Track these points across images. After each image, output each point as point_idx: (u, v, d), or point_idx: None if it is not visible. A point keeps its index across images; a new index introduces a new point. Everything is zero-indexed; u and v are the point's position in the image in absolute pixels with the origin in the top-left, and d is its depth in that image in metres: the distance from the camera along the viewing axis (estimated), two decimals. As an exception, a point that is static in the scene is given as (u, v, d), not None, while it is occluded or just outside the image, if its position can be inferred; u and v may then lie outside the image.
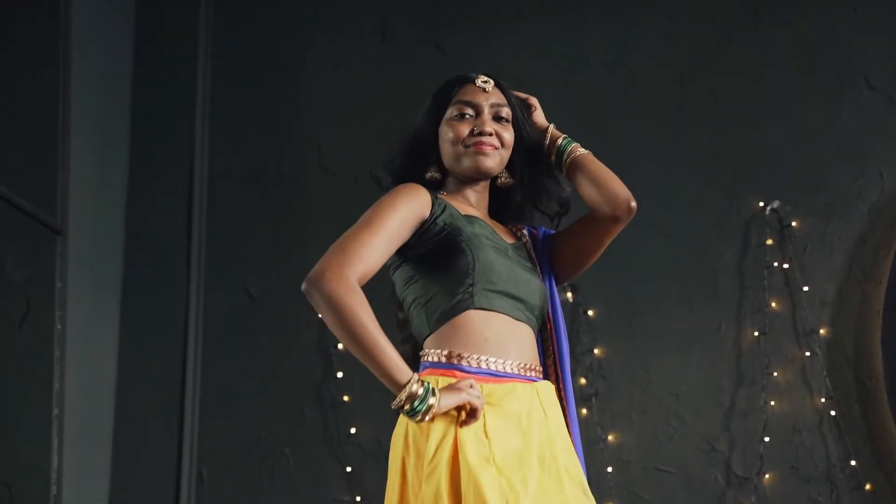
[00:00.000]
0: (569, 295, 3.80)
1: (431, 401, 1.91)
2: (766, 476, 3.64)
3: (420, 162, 2.20)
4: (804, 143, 3.85)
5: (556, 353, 2.16)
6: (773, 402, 3.68)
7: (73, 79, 3.69)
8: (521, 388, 2.03)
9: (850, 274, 3.74)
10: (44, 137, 3.68)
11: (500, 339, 2.05)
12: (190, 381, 3.95)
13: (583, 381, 3.76)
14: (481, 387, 1.99)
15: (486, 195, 2.22)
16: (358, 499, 3.79)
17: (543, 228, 2.29)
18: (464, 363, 2.02)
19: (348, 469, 3.82)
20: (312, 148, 4.12)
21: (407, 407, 1.92)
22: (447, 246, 2.07)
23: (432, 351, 2.06)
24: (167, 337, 4.00)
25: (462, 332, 2.04)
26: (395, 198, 2.07)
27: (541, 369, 2.12)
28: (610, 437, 3.72)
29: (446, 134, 2.16)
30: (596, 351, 3.79)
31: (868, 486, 3.58)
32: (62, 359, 3.55)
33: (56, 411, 3.52)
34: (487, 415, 1.97)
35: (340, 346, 3.93)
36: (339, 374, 3.90)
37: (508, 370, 2.04)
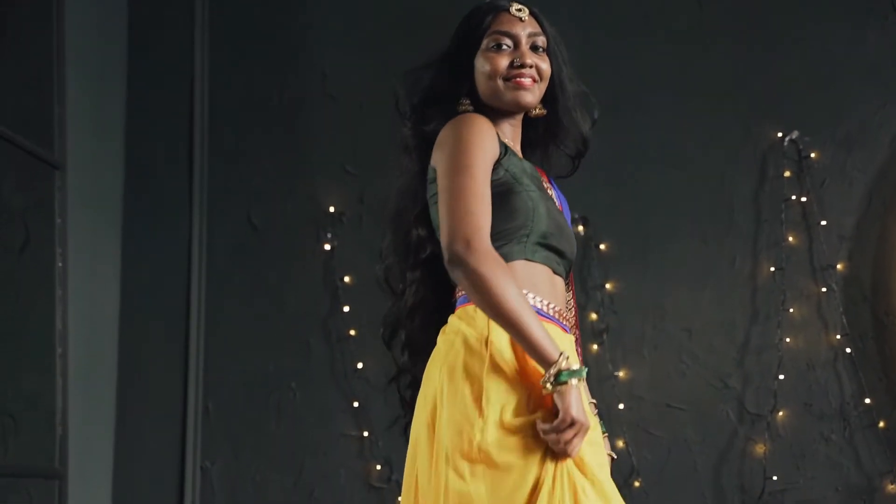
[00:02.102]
0: (580, 228, 3.72)
1: (574, 381, 1.83)
2: (780, 413, 3.60)
3: (451, 91, 2.10)
4: (825, 71, 3.73)
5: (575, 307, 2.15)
6: (788, 339, 3.62)
7: (66, 9, 3.56)
8: (561, 333, 1.99)
9: (870, 207, 3.65)
10: (38, 70, 3.57)
11: (545, 287, 1.99)
12: (194, 314, 3.90)
13: (594, 316, 3.70)
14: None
15: (520, 128, 2.14)
16: (365, 434, 3.77)
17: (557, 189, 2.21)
18: None
19: (355, 404, 3.79)
20: (316, 73, 4.00)
21: (553, 377, 1.82)
22: (507, 193, 1.98)
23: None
24: (170, 271, 3.94)
25: (515, 272, 1.95)
26: (476, 134, 1.96)
27: (574, 323, 2.10)
28: (621, 374, 3.67)
29: (483, 66, 2.07)
30: (608, 286, 3.72)
31: (882, 424, 3.54)
32: (64, 298, 3.50)
33: (59, 350, 3.47)
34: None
35: (347, 279, 3.86)
36: (346, 308, 3.84)
37: (551, 313, 1.99)
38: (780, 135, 3.72)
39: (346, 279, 3.86)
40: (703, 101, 3.79)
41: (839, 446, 3.56)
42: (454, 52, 2.10)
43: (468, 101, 2.09)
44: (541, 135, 2.17)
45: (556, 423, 1.81)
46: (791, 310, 3.64)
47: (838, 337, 3.60)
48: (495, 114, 2.09)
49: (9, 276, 3.59)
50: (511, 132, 2.11)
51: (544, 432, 1.82)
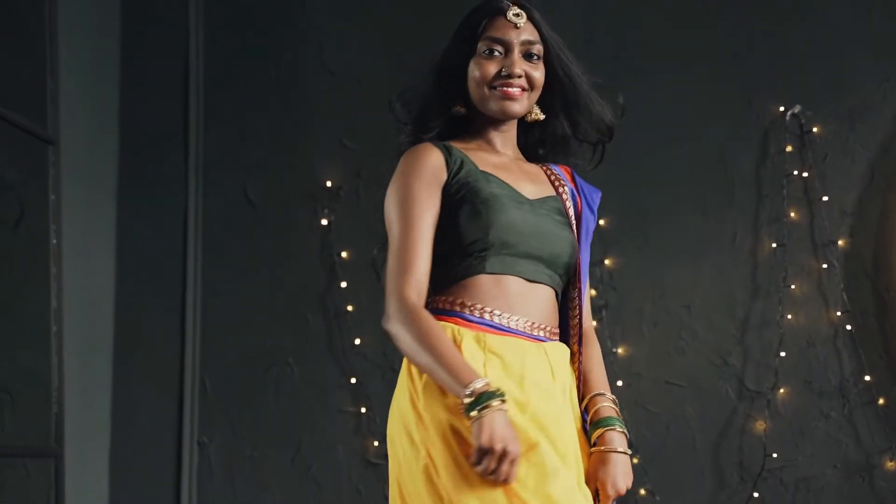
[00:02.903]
0: (579, 203, 3.68)
1: (494, 403, 1.81)
2: (780, 390, 3.58)
3: (446, 96, 2.09)
4: (828, 44, 3.68)
5: (580, 316, 2.06)
6: (788, 316, 3.60)
7: (58, -19, 3.51)
8: (526, 344, 1.95)
9: (872, 183, 3.62)
10: (30, 44, 3.52)
11: (509, 297, 1.96)
12: (190, 290, 3.88)
13: (593, 292, 3.67)
14: (484, 336, 1.92)
15: (514, 132, 2.12)
16: (363, 410, 3.75)
17: (589, 187, 2.15)
18: (466, 311, 1.95)
19: (353, 380, 3.77)
20: (313, 46, 3.95)
21: (467, 407, 1.82)
22: (462, 208, 1.98)
23: (438, 298, 1.99)
24: (166, 247, 3.91)
25: (470, 289, 1.97)
26: (410, 179, 1.99)
27: (556, 330, 2.02)
28: (620, 350, 3.65)
29: (473, 72, 2.05)
30: (607, 261, 3.70)
31: (881, 401, 3.52)
32: (59, 275, 3.47)
33: (55, 328, 3.45)
34: (487, 364, 1.90)
35: (344, 254, 3.84)
36: (343, 284, 3.82)
37: (513, 326, 1.95)
38: (782, 109, 3.68)
39: (344, 254, 3.83)
40: (704, 74, 3.75)
41: (838, 423, 3.55)
42: (450, 56, 2.08)
43: (462, 104, 2.08)
44: (556, 136, 2.14)
45: (471, 454, 1.80)
46: (792, 286, 3.61)
47: (839, 314, 3.58)
48: (486, 120, 2.08)
49: (3, 251, 3.56)
50: (502, 138, 2.09)
51: (472, 465, 1.81)
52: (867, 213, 3.61)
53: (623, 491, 1.97)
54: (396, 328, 1.91)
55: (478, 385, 1.81)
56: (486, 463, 1.78)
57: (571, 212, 2.08)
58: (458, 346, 1.90)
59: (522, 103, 2.04)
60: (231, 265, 3.91)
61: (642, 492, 3.58)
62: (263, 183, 3.93)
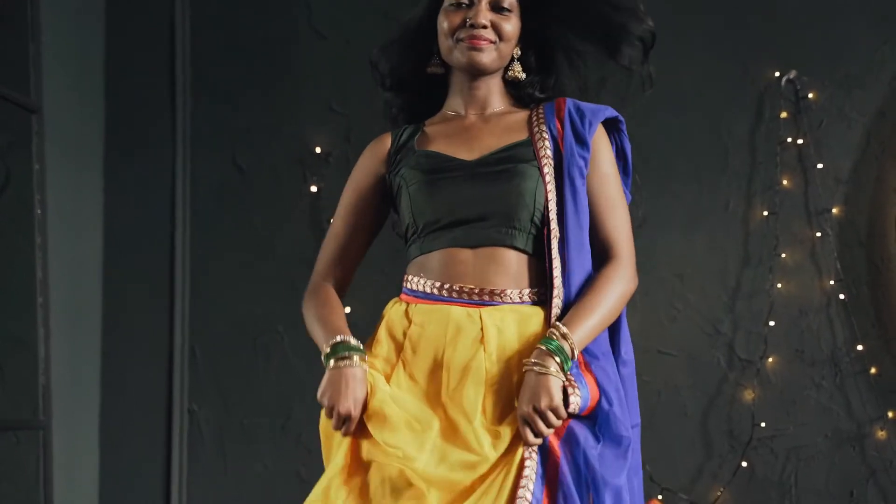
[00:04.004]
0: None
1: (352, 358, 1.92)
2: (770, 359, 3.57)
3: (419, 53, 2.08)
4: (825, 8, 3.61)
5: (563, 268, 1.93)
6: (779, 284, 3.57)
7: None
8: (455, 310, 1.92)
9: (867, 150, 3.57)
10: (11, 9, 3.46)
11: (446, 268, 1.96)
12: (179, 258, 3.85)
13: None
14: (413, 307, 1.95)
15: (497, 88, 2.07)
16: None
17: (590, 111, 2.03)
18: (406, 286, 2.01)
19: (343, 348, 3.75)
20: (301, 8, 3.89)
21: (324, 354, 1.97)
22: (397, 201, 2.05)
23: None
24: (154, 215, 3.88)
25: (415, 266, 2.01)
26: (351, 178, 2.13)
27: (512, 294, 1.93)
28: (611, 319, 3.63)
29: (440, 24, 2.03)
30: (598, 229, 3.66)
31: (873, 370, 3.51)
32: (44, 246, 3.43)
33: (41, 300, 3.42)
34: (408, 331, 1.94)
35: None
36: (333, 252, 3.79)
37: (445, 294, 1.94)
38: (777, 74, 3.62)
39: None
40: (698, 39, 3.68)
41: (829, 392, 3.54)
42: (421, 11, 2.06)
43: (439, 62, 2.07)
44: (547, 86, 2.08)
45: None
46: (783, 255, 3.58)
47: (832, 282, 3.55)
48: (462, 76, 2.05)
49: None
50: (482, 94, 2.05)
51: None
52: (862, 181, 3.57)
53: (525, 411, 1.81)
54: (304, 309, 2.08)
55: (337, 339, 1.93)
56: (325, 412, 1.92)
57: (546, 153, 1.97)
58: (385, 314, 1.99)
59: (490, 54, 2.00)
60: (220, 232, 3.88)
61: (632, 460, 3.57)
62: (252, 149, 3.88)
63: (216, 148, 3.88)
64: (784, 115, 3.61)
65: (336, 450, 1.92)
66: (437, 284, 1.94)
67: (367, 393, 1.90)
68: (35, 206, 3.43)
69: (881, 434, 3.49)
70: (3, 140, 3.57)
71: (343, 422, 1.89)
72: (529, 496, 1.76)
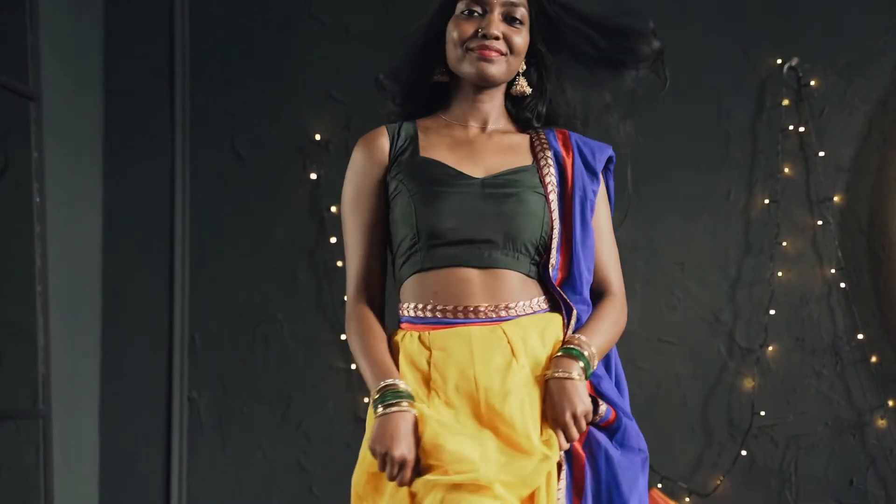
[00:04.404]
0: (572, 158, 3.62)
1: (403, 404, 1.83)
2: (770, 348, 3.56)
3: (428, 63, 2.03)
4: (828, -5, 3.60)
5: (560, 297, 1.95)
6: (780, 273, 3.56)
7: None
8: (474, 330, 1.88)
9: (869, 138, 3.56)
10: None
11: (450, 288, 1.91)
12: (178, 246, 3.84)
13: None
14: (428, 333, 1.89)
15: (495, 104, 2.04)
16: (353, 367, 3.74)
17: (593, 146, 2.04)
18: (411, 314, 1.94)
19: (342, 337, 3.75)
20: (301, -6, 3.87)
21: (374, 399, 1.86)
22: (395, 206, 1.96)
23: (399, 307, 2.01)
24: (153, 203, 3.86)
25: (414, 291, 1.95)
26: (352, 178, 2.02)
27: (523, 306, 1.93)
28: (611, 307, 3.62)
29: (451, 33, 1.99)
30: (599, 218, 3.65)
31: (874, 359, 3.50)
32: (43, 234, 3.41)
33: (39, 288, 3.41)
34: (432, 360, 1.87)
35: (333, 209, 3.79)
36: (333, 240, 3.78)
37: (461, 317, 1.90)
38: (779, 62, 3.60)
39: (333, 209, 3.79)
40: (699, 25, 3.67)
41: (830, 381, 3.53)
42: (431, 19, 2.02)
43: (443, 71, 2.03)
44: (548, 107, 2.05)
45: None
46: (784, 243, 3.57)
47: (833, 271, 3.54)
48: (467, 87, 2.02)
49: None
50: (484, 108, 2.02)
51: None
52: (864, 169, 3.55)
53: (563, 420, 1.83)
54: (348, 335, 1.97)
55: (384, 383, 1.84)
56: (378, 464, 1.82)
57: (551, 180, 1.96)
58: (398, 349, 1.90)
59: (500, 67, 1.97)
60: (219, 220, 3.86)
61: (632, 449, 3.57)
62: (251, 136, 3.87)
63: (215, 136, 3.86)
64: (786, 102, 3.59)
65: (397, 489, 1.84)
66: (450, 307, 1.90)
67: (419, 433, 1.83)
68: (34, 195, 3.41)
69: (881, 423, 3.48)
70: (1, 128, 3.55)
71: (398, 469, 1.81)
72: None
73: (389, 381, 1.84)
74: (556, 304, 1.96)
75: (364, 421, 3.65)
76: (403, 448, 1.79)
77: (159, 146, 3.86)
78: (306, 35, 3.87)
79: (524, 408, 1.84)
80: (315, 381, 3.77)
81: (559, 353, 1.88)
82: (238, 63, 3.88)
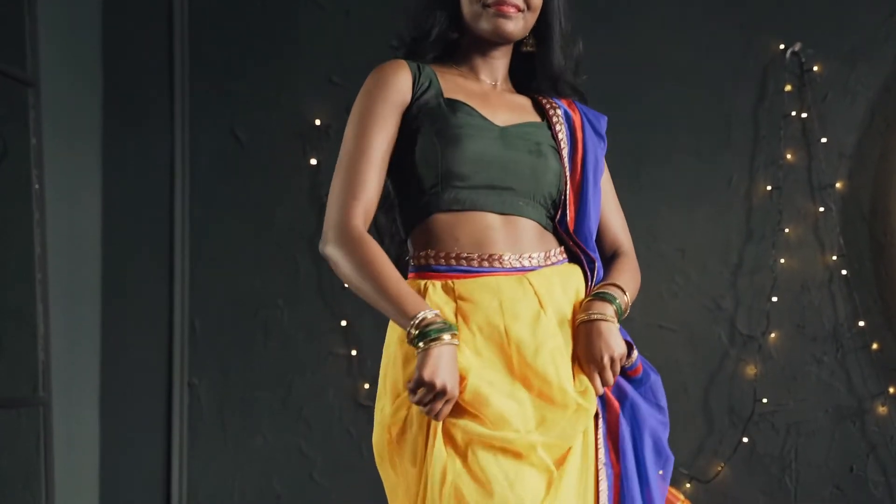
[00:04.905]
0: (573, 144, 3.60)
1: (446, 337, 1.76)
2: (772, 335, 3.55)
3: (439, 19, 1.99)
4: (831, -21, 3.57)
5: (580, 249, 1.95)
6: (782, 260, 3.55)
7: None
8: (501, 280, 1.86)
9: (872, 124, 3.53)
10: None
11: (475, 234, 1.88)
12: (178, 232, 3.83)
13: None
14: (452, 283, 1.85)
15: (506, 61, 2.04)
16: (353, 352, 3.73)
17: (593, 112, 2.07)
18: (432, 262, 1.89)
19: (343, 322, 3.74)
20: (301, -22, 3.85)
21: (413, 338, 1.77)
22: (417, 141, 1.89)
23: (411, 254, 1.95)
24: (153, 189, 3.85)
25: (432, 235, 1.90)
26: (370, 98, 1.92)
27: (543, 257, 1.92)
28: (612, 294, 3.61)
29: None
30: (600, 204, 3.63)
31: (875, 346, 3.49)
32: (42, 221, 3.41)
33: (39, 276, 3.40)
34: (459, 312, 1.84)
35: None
36: (333, 225, 3.76)
37: (485, 265, 1.87)
38: (782, 47, 3.58)
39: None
40: (701, 10, 3.64)
41: (831, 368, 3.53)
42: None
43: (454, 27, 2.00)
44: (548, 68, 2.04)
45: (410, 384, 1.76)
46: (786, 230, 3.56)
47: (834, 258, 3.53)
48: (478, 43, 2.00)
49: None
50: (492, 65, 2.02)
51: (408, 391, 1.77)
52: (866, 155, 3.53)
53: (601, 362, 1.82)
54: (336, 253, 1.83)
55: (426, 315, 1.76)
56: (420, 395, 1.74)
57: (563, 137, 1.97)
58: (426, 298, 1.84)
59: (518, 23, 1.96)
60: (219, 205, 3.85)
61: (633, 435, 3.57)
62: (251, 122, 3.85)
63: (215, 121, 3.85)
64: (788, 88, 3.57)
65: (422, 441, 1.78)
66: (475, 256, 1.87)
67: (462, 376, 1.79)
68: (32, 181, 3.40)
69: (882, 410, 3.48)
70: (-1, 115, 3.54)
71: (438, 401, 1.74)
72: (604, 457, 1.81)
73: (430, 313, 1.76)
74: (572, 255, 1.97)
75: (365, 406, 3.67)
76: (448, 380, 1.73)
77: (158, 132, 3.84)
78: (306, 19, 3.84)
79: (556, 359, 1.82)
80: (315, 366, 3.77)
81: (591, 297, 1.88)
82: (238, 48, 3.86)
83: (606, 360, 1.82)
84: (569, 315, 1.88)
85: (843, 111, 3.55)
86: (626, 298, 1.90)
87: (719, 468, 3.54)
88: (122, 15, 3.89)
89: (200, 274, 3.84)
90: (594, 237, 1.99)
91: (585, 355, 1.83)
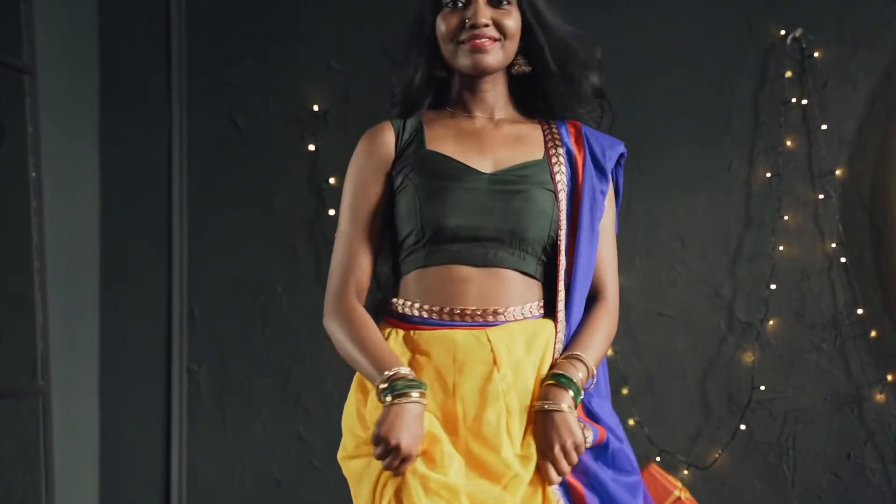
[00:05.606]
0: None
1: (413, 394, 1.77)
2: (770, 322, 3.55)
3: (424, 61, 1.97)
4: (833, -36, 3.54)
5: (566, 300, 1.90)
6: (781, 247, 3.54)
7: None
8: (458, 334, 1.84)
9: (873, 111, 3.51)
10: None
11: (447, 287, 1.86)
12: (176, 218, 3.82)
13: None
14: (413, 333, 1.86)
15: (499, 91, 1.98)
16: (353, 339, 3.73)
17: (606, 141, 2.00)
18: (399, 309, 1.90)
19: (342, 309, 3.74)
20: (298, -38, 3.82)
21: (383, 388, 1.79)
22: (400, 200, 1.91)
23: (388, 301, 1.96)
24: (151, 175, 3.84)
25: (408, 286, 1.90)
26: (357, 168, 1.95)
27: (518, 311, 1.89)
28: (611, 281, 3.60)
29: (439, 28, 1.93)
30: (599, 191, 3.62)
31: (873, 334, 3.49)
32: (40, 210, 3.40)
33: (37, 265, 3.39)
34: (414, 362, 1.84)
35: (332, 180, 3.77)
36: (332, 212, 3.76)
37: (446, 318, 1.86)
38: (782, 33, 3.55)
39: (332, 181, 3.76)
40: (702, -5, 3.62)
41: (829, 356, 3.52)
42: (419, 17, 1.97)
43: (441, 66, 1.97)
44: (553, 88, 1.98)
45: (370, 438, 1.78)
46: (785, 217, 3.54)
47: (834, 245, 3.52)
48: (463, 80, 1.97)
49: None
50: (478, 101, 1.97)
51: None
52: (867, 142, 3.51)
53: (551, 454, 1.79)
54: (330, 325, 1.90)
55: (398, 371, 1.77)
56: (379, 450, 1.75)
57: (561, 178, 1.91)
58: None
59: (495, 55, 1.91)
60: (218, 192, 3.85)
61: (631, 422, 3.58)
62: (250, 108, 3.84)
63: (213, 107, 3.84)
64: (789, 74, 3.55)
65: (379, 488, 1.79)
66: (437, 308, 1.86)
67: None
68: (30, 169, 3.39)
69: (880, 397, 3.48)
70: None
71: (401, 461, 1.75)
72: None
73: (398, 371, 1.78)
74: (551, 308, 1.92)
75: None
76: (405, 438, 1.74)
77: (156, 118, 3.83)
78: (305, 5, 3.82)
79: (500, 419, 1.80)
80: (314, 353, 3.77)
81: (549, 381, 1.83)
82: (236, 33, 3.84)
83: (557, 451, 1.78)
84: (531, 375, 1.85)
85: (844, 98, 3.53)
86: (587, 371, 1.85)
87: (717, 455, 3.55)
88: (119, 1, 3.86)
89: (199, 261, 3.83)
90: (587, 283, 1.93)
91: (539, 444, 1.81)
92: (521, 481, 1.77)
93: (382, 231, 1.95)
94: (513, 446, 1.79)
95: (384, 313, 1.94)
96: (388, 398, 1.76)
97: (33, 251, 3.40)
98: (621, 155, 2.02)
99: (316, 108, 3.78)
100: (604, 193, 1.95)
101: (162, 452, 3.82)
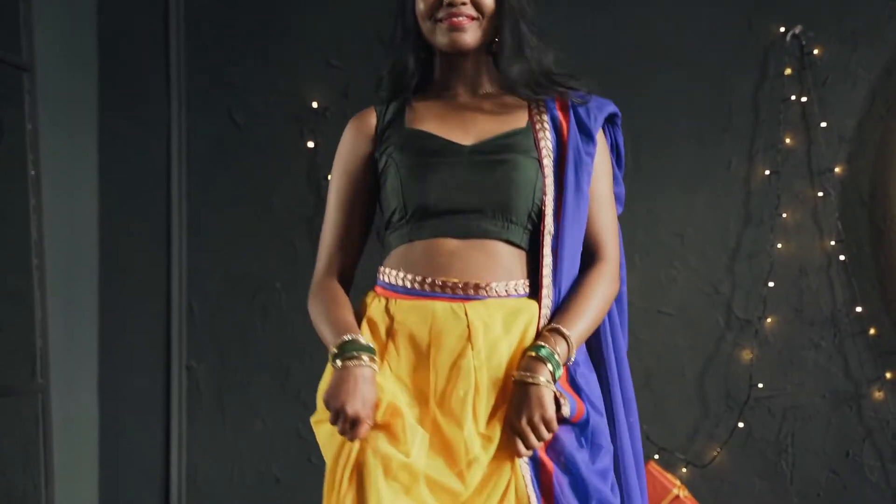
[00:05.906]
0: (571, 128, 3.59)
1: (364, 358, 1.81)
2: (769, 319, 3.55)
3: (410, 42, 1.99)
4: (832, -39, 3.54)
5: (553, 266, 1.89)
6: (780, 245, 3.54)
7: None
8: (438, 306, 1.85)
9: (872, 108, 3.51)
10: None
11: (432, 259, 1.88)
12: (176, 215, 3.82)
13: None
14: (394, 303, 1.88)
15: (481, 66, 1.99)
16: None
17: (593, 105, 1.97)
18: (384, 278, 1.94)
19: (341, 306, 3.74)
20: (297, -42, 3.82)
21: (333, 353, 1.85)
22: (384, 180, 1.96)
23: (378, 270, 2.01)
24: (150, 172, 3.84)
25: (397, 257, 1.93)
26: (340, 155, 2.03)
27: (503, 287, 1.88)
28: (610, 278, 3.60)
29: (418, 6, 1.95)
30: (598, 188, 3.62)
31: (872, 331, 3.49)
32: (38, 206, 3.40)
33: (36, 262, 3.40)
34: (391, 330, 1.87)
35: (331, 177, 3.76)
36: (331, 209, 3.76)
37: (427, 289, 1.87)
38: (782, 30, 3.55)
39: (330, 177, 3.75)
40: (702, -8, 3.62)
41: (828, 353, 3.53)
42: (401, 7, 1.99)
43: (423, 46, 1.99)
44: (529, 68, 1.96)
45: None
46: (784, 214, 3.54)
47: (833, 243, 3.52)
48: (443, 58, 1.99)
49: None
50: (458, 77, 1.98)
51: None
52: (866, 140, 3.51)
53: (519, 425, 1.77)
54: (310, 307, 1.97)
55: (350, 337, 1.82)
56: (331, 416, 1.79)
57: (546, 144, 1.92)
58: (365, 309, 1.90)
59: (473, 33, 1.92)
60: (217, 188, 3.85)
61: (630, 420, 3.58)
62: (248, 104, 3.84)
63: (212, 104, 3.84)
64: (788, 71, 3.54)
65: (342, 462, 1.79)
66: (419, 279, 1.87)
67: (378, 397, 1.79)
68: (28, 167, 3.39)
69: (878, 395, 3.48)
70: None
71: (351, 425, 1.77)
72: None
73: (350, 336, 1.83)
74: (534, 287, 1.90)
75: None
76: (358, 405, 1.75)
77: (155, 115, 3.83)
78: (304, 2, 3.82)
79: (468, 395, 1.80)
80: (314, 350, 3.76)
81: (529, 352, 1.83)
82: (235, 31, 3.84)
83: (524, 424, 1.77)
84: (505, 354, 1.84)
85: (844, 95, 3.53)
86: (568, 345, 1.83)
87: (715, 453, 3.55)
88: (117, -2, 3.87)
89: (198, 258, 3.84)
90: (577, 248, 1.93)
91: (510, 415, 1.80)
92: (479, 465, 1.77)
93: (371, 213, 2.02)
94: (476, 425, 1.79)
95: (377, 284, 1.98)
96: (339, 362, 1.81)
97: (32, 248, 3.40)
98: (614, 115, 2.02)
99: (315, 105, 3.78)
100: (591, 155, 1.93)
101: (161, 449, 3.82)
